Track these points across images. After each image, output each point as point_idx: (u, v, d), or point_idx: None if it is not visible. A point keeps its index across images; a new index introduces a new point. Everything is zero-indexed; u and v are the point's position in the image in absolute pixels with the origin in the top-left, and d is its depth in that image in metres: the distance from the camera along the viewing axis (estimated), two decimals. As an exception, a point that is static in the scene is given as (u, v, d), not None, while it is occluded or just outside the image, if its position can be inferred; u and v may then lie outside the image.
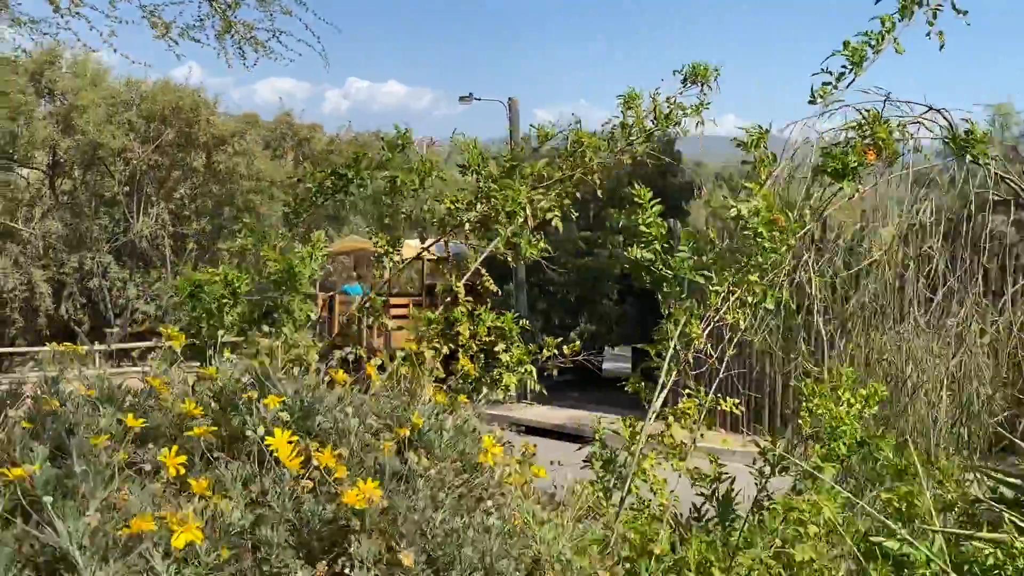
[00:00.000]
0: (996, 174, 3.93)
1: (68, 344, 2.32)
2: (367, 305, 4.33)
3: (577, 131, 4.03)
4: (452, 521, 1.77)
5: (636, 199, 3.15)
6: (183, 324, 4.26)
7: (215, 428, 1.73)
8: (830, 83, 3.42)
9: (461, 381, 3.97)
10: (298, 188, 4.38)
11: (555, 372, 3.94)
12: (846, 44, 3.40)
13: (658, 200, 3.66)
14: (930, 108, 3.85)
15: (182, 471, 1.52)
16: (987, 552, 2.10)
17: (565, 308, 21.49)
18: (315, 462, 1.63)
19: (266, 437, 1.62)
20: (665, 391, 3.39)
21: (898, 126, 3.67)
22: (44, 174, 25.88)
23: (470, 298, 4.18)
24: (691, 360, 3.43)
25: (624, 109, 4.26)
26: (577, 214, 4.40)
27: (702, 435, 3.58)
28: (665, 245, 3.07)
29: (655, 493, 3.47)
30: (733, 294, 3.50)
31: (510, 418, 17.08)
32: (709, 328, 3.50)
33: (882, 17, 3.41)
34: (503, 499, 1.91)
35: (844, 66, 3.43)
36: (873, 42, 3.39)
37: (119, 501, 1.44)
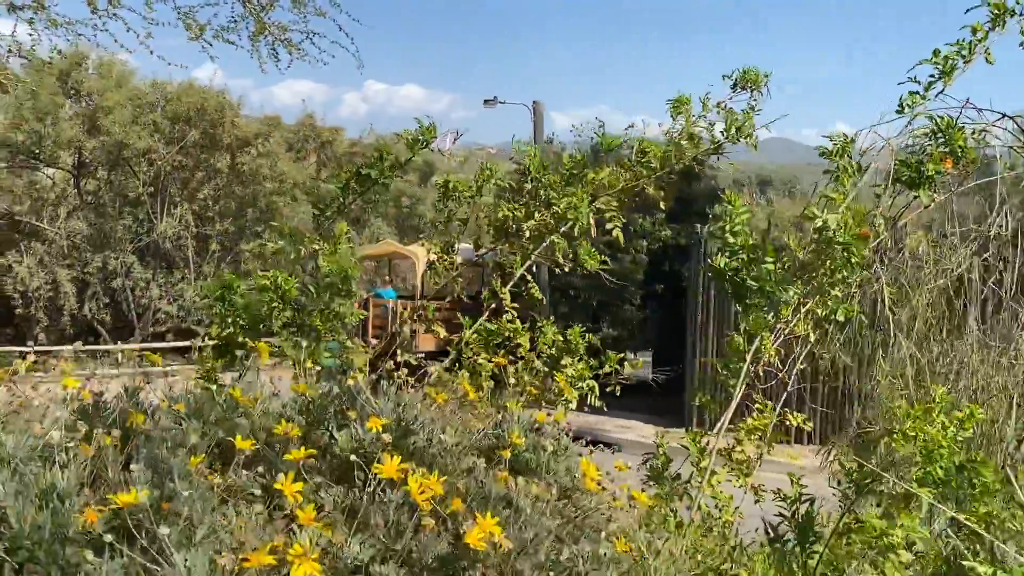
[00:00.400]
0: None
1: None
2: (419, 311, 4.25)
3: (643, 140, 3.93)
4: (561, 550, 1.67)
5: (727, 203, 3.04)
6: (218, 330, 4.16)
7: (313, 451, 1.64)
8: (918, 92, 3.30)
9: (519, 394, 3.88)
10: (322, 189, 4.31)
11: (618, 389, 3.82)
12: (936, 53, 3.29)
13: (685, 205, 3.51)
14: (1003, 116, 3.72)
15: (299, 499, 1.43)
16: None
17: (587, 313, 21.35)
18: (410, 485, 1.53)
19: (374, 464, 1.53)
20: (734, 406, 3.28)
21: (973, 133, 3.55)
22: (69, 174, 26.04)
23: (515, 305, 4.10)
24: (760, 373, 3.32)
25: (673, 115, 4.15)
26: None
27: (769, 451, 3.48)
28: (752, 256, 2.95)
29: (720, 510, 3.36)
30: (804, 306, 3.39)
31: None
32: (778, 341, 3.39)
33: (974, 26, 3.29)
34: (607, 524, 1.81)
35: (932, 75, 3.31)
36: (964, 52, 3.28)
37: (233, 529, 1.35)
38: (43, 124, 23.38)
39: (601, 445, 3.25)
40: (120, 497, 1.33)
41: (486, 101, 20.61)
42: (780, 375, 3.41)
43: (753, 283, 2.89)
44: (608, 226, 3.95)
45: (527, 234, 3.92)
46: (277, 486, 1.43)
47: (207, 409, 1.80)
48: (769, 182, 47.20)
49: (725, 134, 3.80)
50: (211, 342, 4.06)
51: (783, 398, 3.49)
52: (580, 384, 3.80)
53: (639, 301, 21.30)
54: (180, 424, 1.79)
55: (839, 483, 2.66)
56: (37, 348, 23.31)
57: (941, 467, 2.38)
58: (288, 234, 4.32)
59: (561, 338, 3.80)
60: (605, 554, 1.67)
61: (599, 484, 1.89)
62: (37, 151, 24.66)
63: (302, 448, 1.61)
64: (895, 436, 2.45)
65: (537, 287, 4.40)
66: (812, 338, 3.48)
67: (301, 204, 26.82)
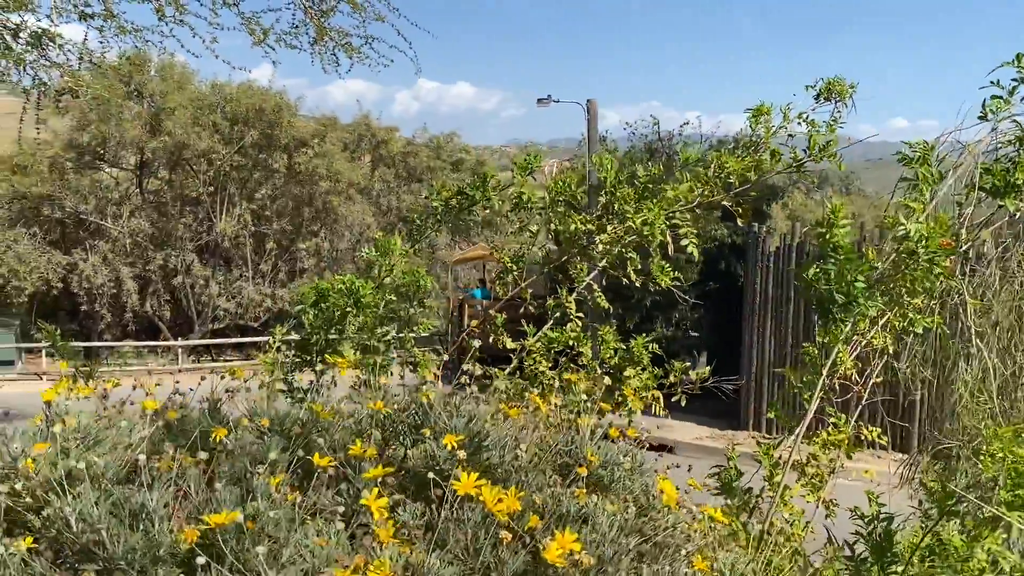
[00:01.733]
0: None
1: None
2: (490, 320, 4.23)
3: (720, 154, 3.84)
4: (641, 569, 1.64)
5: (830, 214, 2.95)
6: (303, 333, 4.22)
7: (391, 469, 1.63)
8: (1001, 97, 3.16)
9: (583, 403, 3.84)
10: (423, 204, 4.33)
11: (684, 400, 3.75)
12: (1019, 57, 3.14)
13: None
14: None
15: (385, 514, 1.42)
16: None
17: (640, 312, 21.17)
18: (482, 499, 1.51)
19: (452, 480, 1.52)
20: (808, 419, 3.20)
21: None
22: (132, 174, 26.73)
23: (581, 314, 4.05)
24: (836, 387, 3.23)
25: (753, 125, 4.04)
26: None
27: (842, 465, 3.38)
28: (846, 268, 2.86)
29: (791, 525, 3.28)
30: (881, 318, 3.29)
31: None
32: (856, 353, 3.29)
33: None
34: (686, 543, 1.77)
35: (1014, 79, 3.17)
36: None
37: (315, 545, 1.34)
38: (107, 125, 24.03)
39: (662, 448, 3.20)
40: (212, 518, 1.33)
41: (539, 100, 20.55)
42: (857, 388, 3.31)
43: (841, 296, 2.80)
44: (683, 242, 3.88)
45: (599, 247, 3.87)
46: (364, 502, 1.42)
47: (287, 423, 1.81)
48: (826, 179, 46.22)
49: (808, 152, 3.69)
50: (280, 343, 4.12)
51: (858, 410, 3.38)
52: (645, 394, 3.75)
53: (693, 301, 21.06)
54: (262, 439, 1.80)
55: (920, 503, 2.57)
56: (103, 344, 24.01)
57: (1033, 490, 2.28)
58: (379, 245, 4.34)
59: (624, 347, 3.74)
60: (685, 573, 1.63)
61: (676, 502, 1.84)
62: (102, 151, 25.38)
63: (379, 466, 1.60)
64: (982, 457, 2.35)
65: (603, 295, 4.35)
66: (890, 350, 3.37)
67: (356, 203, 27.13)
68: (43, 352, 21.97)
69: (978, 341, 3.30)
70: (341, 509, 1.51)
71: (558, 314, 4.12)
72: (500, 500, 1.47)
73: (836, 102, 4.04)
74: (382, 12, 9.99)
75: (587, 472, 1.82)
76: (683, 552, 1.68)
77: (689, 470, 3.03)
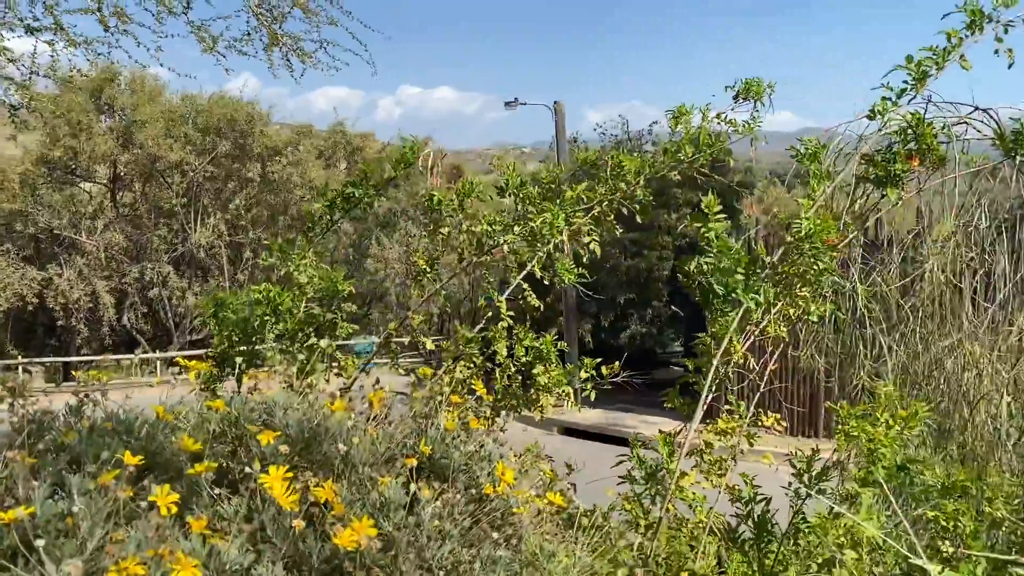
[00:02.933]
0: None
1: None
2: (405, 323, 4.31)
3: (617, 154, 3.93)
4: (460, 554, 1.71)
5: (703, 208, 3.04)
6: (216, 344, 4.29)
7: (216, 464, 1.70)
8: (890, 99, 3.28)
9: (500, 400, 3.93)
10: (311, 206, 4.39)
11: (592, 394, 3.84)
12: (909, 60, 3.26)
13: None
14: (976, 108, 3.67)
15: (174, 509, 1.49)
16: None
17: (614, 310, 21.28)
18: (312, 496, 1.59)
19: (261, 474, 1.59)
20: (703, 407, 3.29)
21: (943, 128, 3.50)
22: (106, 187, 26.66)
23: (511, 313, 4.13)
24: (731, 376, 3.32)
25: (673, 125, 4.14)
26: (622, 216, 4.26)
27: (743, 451, 3.47)
28: (722, 262, 2.95)
29: (694, 510, 3.36)
30: (775, 307, 3.38)
31: (559, 421, 17.02)
32: (751, 342, 3.38)
33: (948, 32, 3.24)
34: (514, 529, 1.85)
35: (905, 81, 3.29)
36: (938, 58, 3.25)
37: (116, 540, 1.41)
38: (78, 140, 23.98)
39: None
40: (6, 515, 1.40)
41: (507, 103, 20.64)
42: (751, 377, 3.40)
43: (720, 288, 2.89)
44: (585, 239, 3.97)
45: (505, 248, 3.96)
46: (152, 498, 1.49)
47: (138, 426, 1.88)
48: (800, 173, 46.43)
49: (699, 148, 3.78)
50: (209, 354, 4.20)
51: (756, 399, 3.48)
52: (556, 390, 3.83)
53: (667, 297, 21.18)
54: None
55: (789, 483, 2.66)
56: (80, 359, 23.92)
57: (883, 468, 2.37)
58: (278, 250, 4.42)
59: (535, 346, 3.82)
60: (501, 556, 1.71)
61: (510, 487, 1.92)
62: (73, 166, 25.31)
63: (205, 463, 1.67)
64: (836, 436, 2.44)
65: (534, 295, 4.42)
66: (786, 338, 3.47)
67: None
68: (19, 368, 21.90)
69: (874, 326, 3.40)
70: (145, 504, 1.57)
71: (489, 313, 4.21)
72: (291, 488, 1.55)
73: (755, 101, 4.16)
74: (335, 16, 10.07)
75: (430, 463, 1.90)
76: (496, 535, 1.76)
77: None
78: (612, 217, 4.15)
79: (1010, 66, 3.29)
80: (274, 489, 1.51)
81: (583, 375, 3.94)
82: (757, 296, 2.98)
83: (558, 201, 3.96)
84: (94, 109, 24.57)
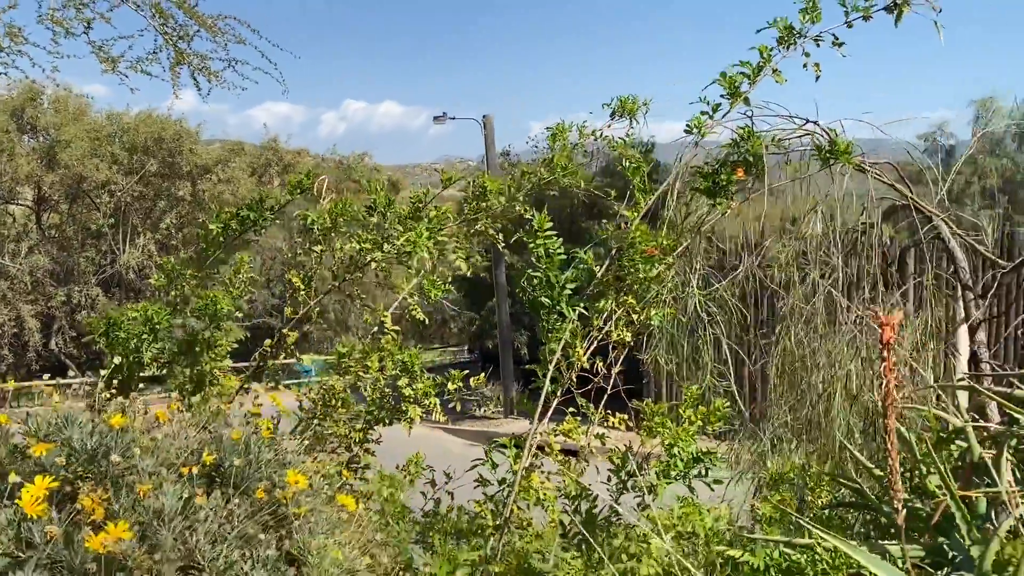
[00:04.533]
0: (889, 183, 4.02)
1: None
2: (278, 339, 4.40)
3: (482, 175, 4.07)
4: (232, 555, 1.83)
5: (535, 225, 3.20)
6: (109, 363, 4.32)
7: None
8: (708, 114, 3.46)
9: (370, 412, 4.04)
10: (205, 229, 4.45)
11: (458, 405, 3.96)
12: (723, 75, 3.44)
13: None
14: (807, 121, 3.92)
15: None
16: (794, 557, 2.15)
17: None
18: (79, 504, 1.69)
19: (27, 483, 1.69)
20: (549, 409, 3.45)
21: (773, 140, 3.73)
22: (30, 209, 26.07)
23: (396, 327, 4.24)
24: (573, 380, 3.49)
25: (551, 142, 4.30)
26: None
27: (592, 450, 3.63)
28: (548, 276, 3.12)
29: (546, 509, 3.51)
30: (616, 313, 3.56)
31: (493, 434, 17.10)
32: (594, 347, 3.55)
33: (760, 47, 3.40)
34: (287, 530, 1.97)
35: (723, 95, 3.46)
36: (751, 73, 3.43)
37: None
38: (-2, 161, 23.47)
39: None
40: None
41: (435, 118, 20.79)
42: (595, 380, 3.58)
43: (547, 301, 3.05)
44: (451, 257, 4.11)
45: (374, 266, 4.08)
46: None
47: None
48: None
49: (553, 172, 3.90)
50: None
51: (604, 400, 3.65)
52: (424, 402, 3.94)
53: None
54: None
55: (608, 478, 2.82)
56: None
57: (681, 460, 2.55)
58: (168, 271, 4.47)
59: (403, 359, 3.94)
60: (269, 555, 1.83)
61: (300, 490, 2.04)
62: (-7, 187, 24.73)
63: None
64: (642, 431, 2.61)
65: (419, 310, 4.54)
66: (629, 342, 3.65)
67: (271, 227, 26.93)
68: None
69: (714, 328, 3.60)
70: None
71: (375, 328, 4.33)
72: (47, 498, 1.65)
73: (630, 118, 4.35)
74: (243, 36, 10.13)
75: (200, 471, 2.01)
76: (264, 536, 1.88)
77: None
78: (498, 233, 4.28)
79: (817, 79, 3.50)
80: (23, 498, 1.62)
81: (451, 386, 4.07)
82: (578, 308, 3.17)
83: (426, 220, 4.10)
84: (15, 129, 24.03)
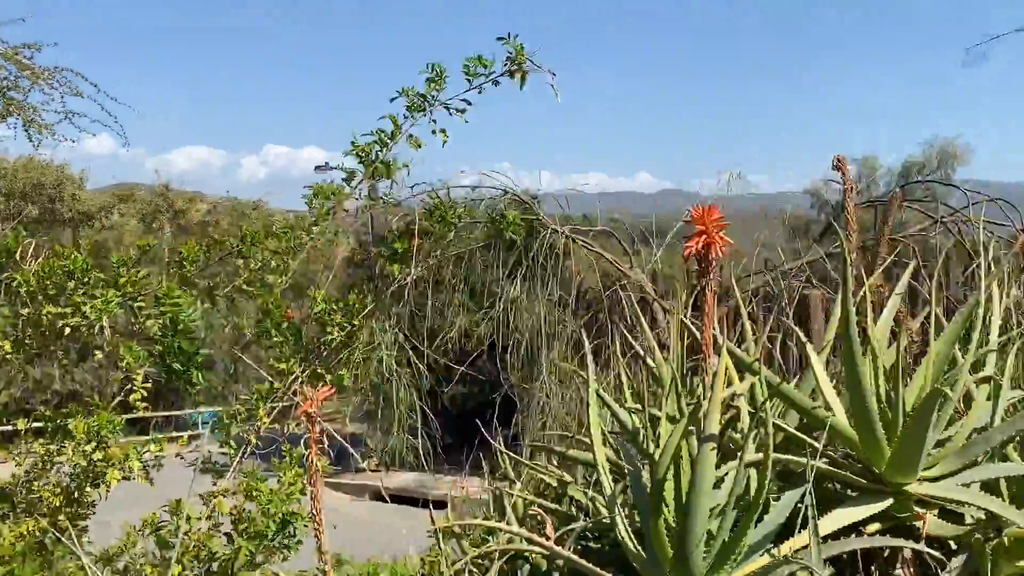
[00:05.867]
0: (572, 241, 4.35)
1: None
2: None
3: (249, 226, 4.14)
4: None
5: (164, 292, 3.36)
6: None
7: None
8: (345, 181, 3.58)
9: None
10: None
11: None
12: (354, 144, 3.48)
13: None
14: (506, 192, 4.24)
15: None
16: None
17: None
18: None
19: None
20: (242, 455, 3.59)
21: (464, 209, 4.03)
22: (-102, 258, 24.98)
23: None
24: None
25: (309, 203, 4.41)
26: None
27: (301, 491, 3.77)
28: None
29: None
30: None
31: (371, 486, 16.88)
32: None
33: (391, 116, 3.45)
34: None
35: (361, 161, 3.55)
36: (383, 141, 3.53)
37: None
38: None
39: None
40: None
41: (317, 167, 20.84)
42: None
43: (178, 366, 3.23)
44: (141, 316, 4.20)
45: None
46: None
47: None
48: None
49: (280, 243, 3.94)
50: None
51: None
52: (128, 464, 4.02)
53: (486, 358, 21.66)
54: None
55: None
56: None
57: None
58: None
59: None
60: None
61: None
62: None
63: None
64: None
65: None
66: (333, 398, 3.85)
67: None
68: None
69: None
70: None
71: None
72: None
73: (389, 179, 4.56)
74: (81, 89, 10.17)
75: None
76: None
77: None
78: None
79: (444, 144, 3.52)
80: None
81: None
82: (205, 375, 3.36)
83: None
84: None
